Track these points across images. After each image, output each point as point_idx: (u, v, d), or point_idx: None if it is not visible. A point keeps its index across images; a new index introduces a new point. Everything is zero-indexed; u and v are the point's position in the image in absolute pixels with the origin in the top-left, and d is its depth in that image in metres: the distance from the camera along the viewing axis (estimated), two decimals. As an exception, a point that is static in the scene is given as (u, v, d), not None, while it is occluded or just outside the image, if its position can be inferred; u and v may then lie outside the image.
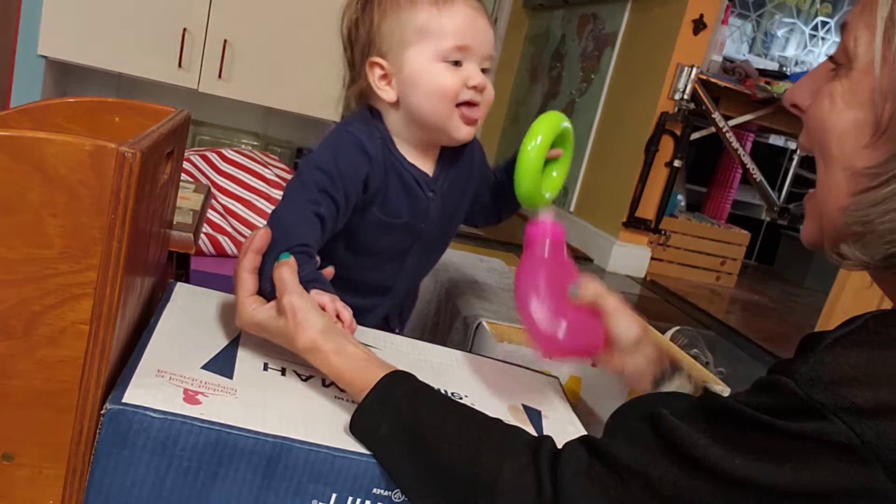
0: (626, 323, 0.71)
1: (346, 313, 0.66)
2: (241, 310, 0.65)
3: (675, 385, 0.72)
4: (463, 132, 0.79)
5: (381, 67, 0.78)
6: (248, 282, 0.65)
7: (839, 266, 0.52)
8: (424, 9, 0.75)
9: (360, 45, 0.80)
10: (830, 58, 0.52)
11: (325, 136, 0.82)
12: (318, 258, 0.72)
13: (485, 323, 1.05)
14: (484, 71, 0.79)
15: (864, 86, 0.48)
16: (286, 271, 0.64)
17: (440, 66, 0.76)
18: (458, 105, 0.77)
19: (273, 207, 0.74)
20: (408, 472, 0.55)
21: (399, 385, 0.58)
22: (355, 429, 0.57)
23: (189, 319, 0.69)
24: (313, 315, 0.61)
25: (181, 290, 0.76)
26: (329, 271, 0.73)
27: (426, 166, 0.83)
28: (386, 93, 0.78)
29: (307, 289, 0.64)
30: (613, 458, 0.49)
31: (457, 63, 0.76)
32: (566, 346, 0.67)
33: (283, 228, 0.69)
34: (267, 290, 0.65)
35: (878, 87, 0.47)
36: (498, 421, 0.56)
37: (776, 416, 0.44)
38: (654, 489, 0.46)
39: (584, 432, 0.74)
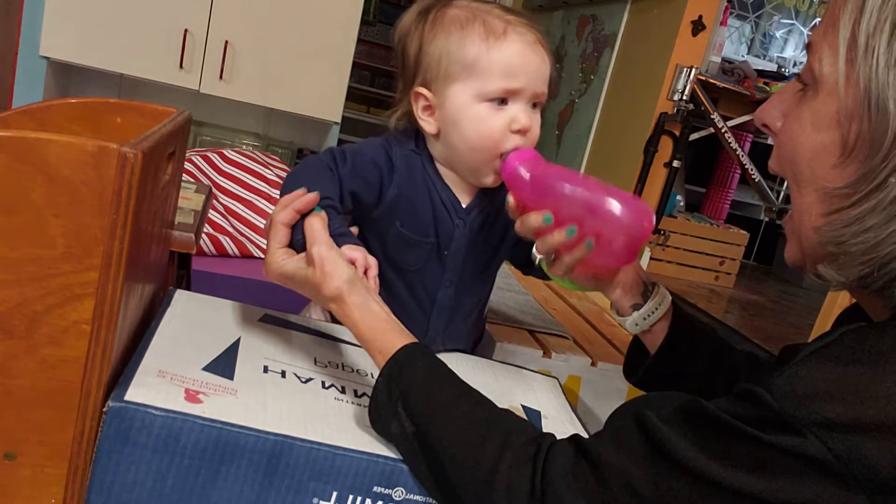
0: None
1: (373, 270, 0.66)
2: (269, 259, 0.66)
3: (659, 296, 0.74)
4: (490, 180, 0.75)
5: (426, 98, 0.74)
6: (281, 232, 0.66)
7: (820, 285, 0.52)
8: (474, 43, 0.70)
9: (408, 66, 0.76)
10: (798, 77, 0.52)
11: None
12: (343, 214, 0.72)
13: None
14: (536, 105, 0.74)
15: (830, 107, 0.48)
16: (317, 222, 0.65)
17: (483, 108, 0.71)
18: (500, 154, 0.73)
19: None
20: (413, 445, 0.56)
21: (417, 358, 0.59)
22: (376, 392, 0.58)
23: (189, 324, 0.70)
24: (341, 266, 0.63)
25: (181, 296, 0.76)
26: (355, 230, 0.73)
27: (463, 193, 0.79)
28: (428, 124, 0.75)
29: (338, 243, 0.65)
30: (597, 456, 0.50)
31: (503, 101, 0.71)
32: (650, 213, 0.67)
33: (310, 183, 0.69)
34: (298, 242, 0.66)
35: (842, 107, 0.47)
36: (509, 412, 0.57)
37: (753, 426, 0.45)
38: (634, 489, 0.47)
39: (584, 432, 0.74)
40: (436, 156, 0.78)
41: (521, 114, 0.71)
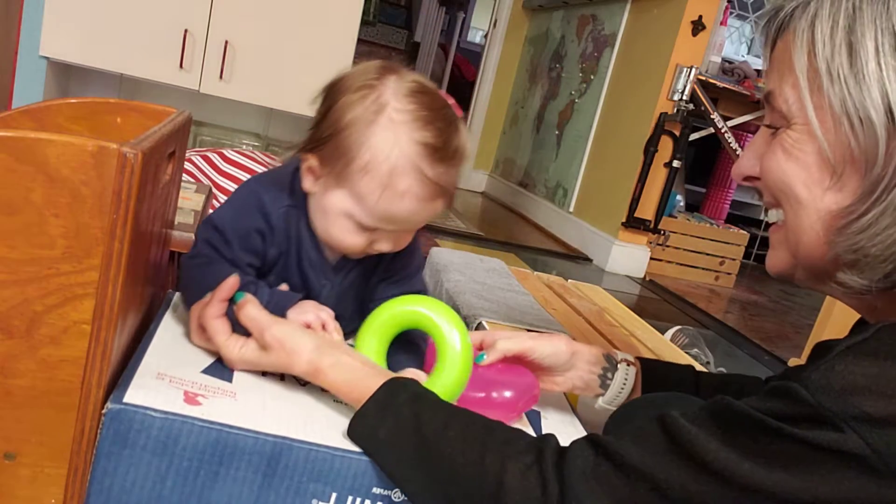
0: (550, 346, 0.74)
1: (330, 324, 0.64)
2: (226, 353, 0.63)
3: (620, 378, 0.73)
4: (355, 257, 0.73)
5: (312, 167, 0.68)
6: (220, 325, 0.64)
7: (829, 296, 0.52)
8: (372, 181, 0.64)
9: (316, 118, 0.68)
10: (766, 126, 0.54)
11: (234, 191, 0.74)
12: (263, 282, 0.69)
13: (485, 322, 1.06)
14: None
15: (808, 137, 0.49)
16: (251, 309, 0.62)
17: (349, 224, 0.67)
18: None
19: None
20: (410, 476, 0.55)
21: (399, 392, 0.57)
22: (354, 434, 0.57)
23: (188, 326, 0.70)
24: (301, 339, 0.61)
25: (180, 298, 0.76)
26: (285, 286, 0.70)
27: (334, 251, 0.74)
28: (308, 183, 0.69)
29: (280, 312, 0.63)
30: (621, 458, 0.49)
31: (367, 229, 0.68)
32: (522, 408, 0.69)
33: (207, 285, 0.65)
34: (240, 333, 0.64)
35: (819, 135, 0.48)
36: (500, 424, 0.56)
37: (787, 423, 0.44)
38: (662, 491, 0.47)
39: (584, 433, 0.74)
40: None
41: (384, 243, 0.69)
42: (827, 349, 0.46)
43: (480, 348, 0.74)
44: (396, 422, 0.55)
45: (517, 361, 0.74)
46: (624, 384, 0.73)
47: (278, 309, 0.64)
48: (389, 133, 0.63)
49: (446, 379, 0.64)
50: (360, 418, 0.56)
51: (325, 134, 0.66)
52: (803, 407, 0.44)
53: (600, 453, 0.50)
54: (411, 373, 0.65)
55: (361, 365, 0.61)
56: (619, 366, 0.74)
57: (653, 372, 0.76)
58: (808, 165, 0.50)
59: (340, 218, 0.67)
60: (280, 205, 0.71)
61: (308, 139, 0.68)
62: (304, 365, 0.60)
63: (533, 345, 0.73)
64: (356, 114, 0.64)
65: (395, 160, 0.63)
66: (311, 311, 0.64)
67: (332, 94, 0.67)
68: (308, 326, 0.63)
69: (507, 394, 0.68)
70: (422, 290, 0.76)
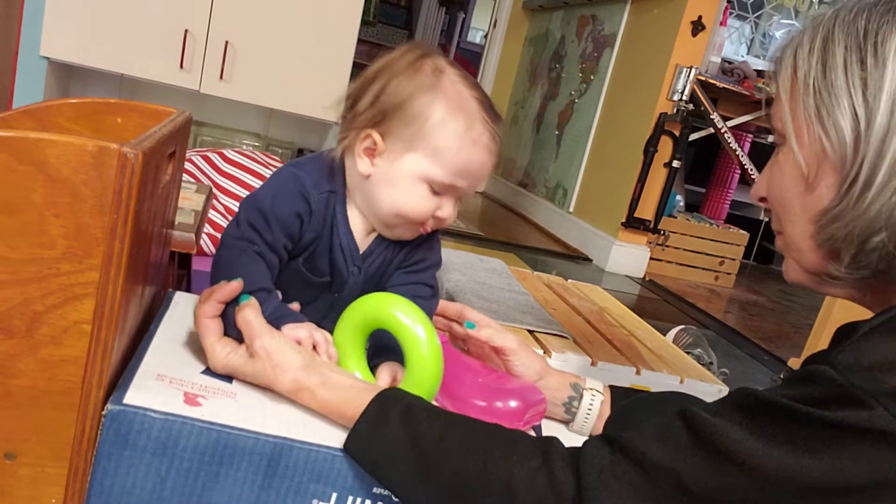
0: (527, 360, 0.75)
1: (324, 345, 0.64)
2: (212, 356, 0.62)
3: (585, 404, 0.73)
4: (404, 238, 0.75)
5: (374, 143, 0.70)
6: (212, 326, 0.63)
7: (826, 296, 0.54)
8: (450, 134, 0.68)
9: (377, 102, 0.70)
10: (773, 145, 0.58)
11: (273, 174, 0.75)
12: (278, 292, 0.69)
13: (484, 323, 1.06)
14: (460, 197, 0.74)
15: (796, 147, 0.54)
16: (250, 314, 0.62)
17: (422, 189, 0.70)
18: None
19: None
20: (414, 493, 0.54)
21: (390, 407, 0.56)
22: (350, 454, 0.56)
23: (188, 327, 0.69)
24: (289, 354, 0.60)
25: (180, 298, 0.76)
26: (295, 306, 0.70)
27: (363, 238, 0.76)
28: (364, 165, 0.71)
29: (278, 325, 0.63)
30: (641, 454, 0.48)
31: (439, 191, 0.71)
32: (523, 412, 0.69)
33: (232, 273, 0.65)
34: (233, 336, 0.63)
35: (796, 143, 0.53)
36: (498, 427, 0.55)
37: (816, 406, 0.44)
38: (685, 486, 0.46)
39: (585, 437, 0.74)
40: (352, 195, 0.74)
41: (448, 207, 0.72)
42: (851, 330, 0.47)
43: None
44: (391, 439, 0.54)
45: (493, 356, 0.76)
46: (589, 411, 0.73)
47: (277, 321, 0.63)
48: (455, 90, 0.70)
49: (417, 381, 0.63)
50: (354, 438, 0.56)
51: (387, 106, 0.69)
52: (831, 388, 0.44)
53: (617, 451, 0.49)
54: (389, 367, 0.66)
55: (351, 382, 0.60)
56: (584, 393, 0.74)
57: (620, 398, 0.76)
58: (797, 177, 0.53)
59: (414, 183, 0.70)
60: (321, 189, 0.73)
61: (367, 118, 0.70)
62: (288, 383, 0.59)
63: (515, 348, 0.75)
64: (419, 81, 0.69)
65: (467, 110, 0.69)
66: (306, 329, 0.64)
67: (382, 76, 0.70)
68: (299, 343, 0.63)
69: (513, 403, 0.68)
70: (434, 286, 0.79)
